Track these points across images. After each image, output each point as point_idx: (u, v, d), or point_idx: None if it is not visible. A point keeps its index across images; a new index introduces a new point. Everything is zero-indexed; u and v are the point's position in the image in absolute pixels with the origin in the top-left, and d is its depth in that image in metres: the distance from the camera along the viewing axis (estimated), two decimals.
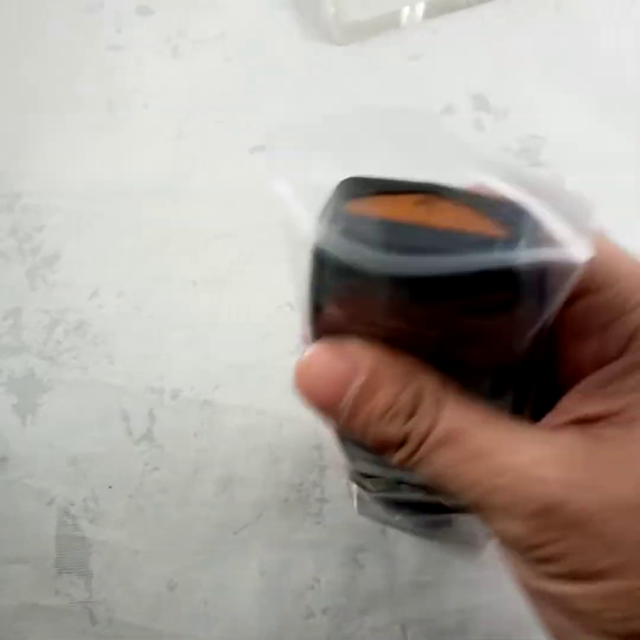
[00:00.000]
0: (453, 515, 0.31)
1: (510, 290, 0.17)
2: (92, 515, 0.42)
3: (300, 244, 0.18)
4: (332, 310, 0.19)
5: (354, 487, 0.36)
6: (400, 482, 0.27)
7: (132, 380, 0.44)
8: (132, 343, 0.45)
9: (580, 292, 0.20)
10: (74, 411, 0.44)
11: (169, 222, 0.48)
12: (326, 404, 0.20)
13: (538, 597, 0.22)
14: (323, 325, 0.20)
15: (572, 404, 0.21)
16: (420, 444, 0.20)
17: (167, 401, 0.44)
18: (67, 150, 0.50)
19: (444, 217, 0.18)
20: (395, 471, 0.25)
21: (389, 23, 0.54)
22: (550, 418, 0.21)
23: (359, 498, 0.38)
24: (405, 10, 0.53)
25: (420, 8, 0.53)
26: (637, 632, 0.18)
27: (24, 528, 0.42)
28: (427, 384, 0.20)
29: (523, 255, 0.16)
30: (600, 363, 0.21)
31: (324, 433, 0.43)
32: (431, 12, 0.54)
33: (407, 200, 0.18)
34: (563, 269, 0.17)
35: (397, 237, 0.17)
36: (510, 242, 0.17)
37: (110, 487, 0.43)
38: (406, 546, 0.42)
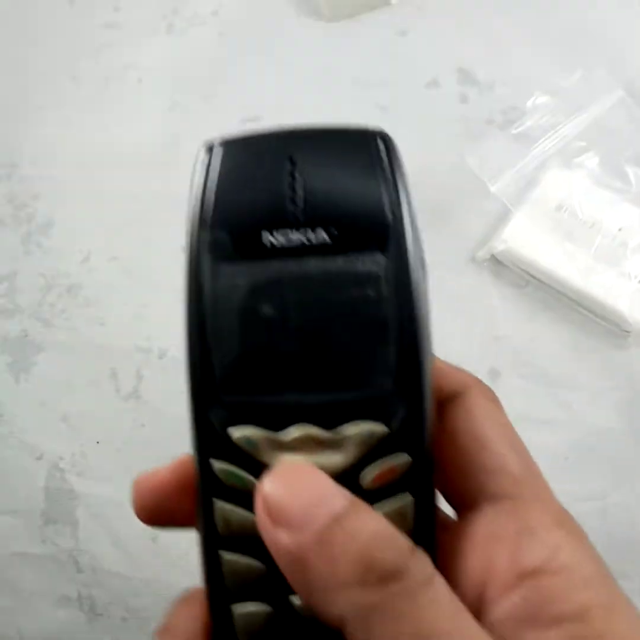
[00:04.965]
0: None
1: None
2: (80, 469, 0.44)
3: None
4: None
5: None
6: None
7: (120, 340, 0.46)
8: (121, 306, 0.47)
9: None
10: (66, 370, 0.46)
11: (160, 192, 0.49)
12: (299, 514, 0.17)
13: None
14: None
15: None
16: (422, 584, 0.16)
17: (154, 360, 0.45)
18: (62, 123, 0.52)
19: None
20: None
21: (378, 0, 0.55)
22: None
23: None
24: None
25: None
26: None
27: (15, 481, 0.44)
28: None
29: None
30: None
31: None
32: None
33: None
34: None
35: None
36: None
37: (97, 442, 0.44)
38: None
